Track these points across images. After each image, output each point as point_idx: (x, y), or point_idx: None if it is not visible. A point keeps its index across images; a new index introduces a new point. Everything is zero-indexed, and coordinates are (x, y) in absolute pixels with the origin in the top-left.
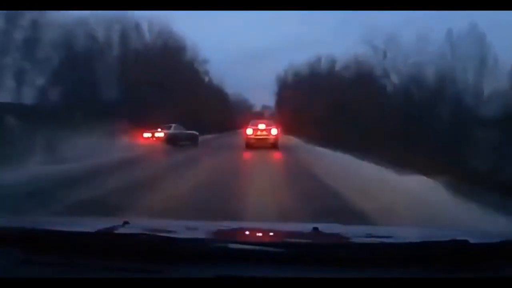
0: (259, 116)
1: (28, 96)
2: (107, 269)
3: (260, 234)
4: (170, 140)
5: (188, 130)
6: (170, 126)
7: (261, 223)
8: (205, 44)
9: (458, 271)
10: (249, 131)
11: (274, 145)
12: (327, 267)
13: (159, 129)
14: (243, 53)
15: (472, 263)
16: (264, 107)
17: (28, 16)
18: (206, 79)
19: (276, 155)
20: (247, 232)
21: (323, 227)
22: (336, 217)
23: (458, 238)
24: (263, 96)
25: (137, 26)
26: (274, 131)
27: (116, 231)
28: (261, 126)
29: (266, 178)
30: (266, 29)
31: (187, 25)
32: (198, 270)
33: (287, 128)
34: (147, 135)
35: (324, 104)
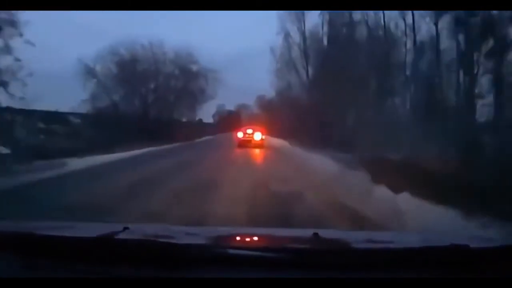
0: (232, 115)
1: None
2: (106, 275)
3: (260, 240)
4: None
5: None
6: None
7: (261, 228)
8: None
9: (459, 276)
10: (240, 134)
11: (260, 145)
12: (327, 272)
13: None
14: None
15: (473, 268)
16: (241, 106)
17: None
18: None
19: None
20: (247, 238)
21: (323, 232)
22: None
23: (459, 243)
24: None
25: None
26: (258, 135)
27: (116, 237)
28: (249, 130)
29: None
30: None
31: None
32: (198, 275)
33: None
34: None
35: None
